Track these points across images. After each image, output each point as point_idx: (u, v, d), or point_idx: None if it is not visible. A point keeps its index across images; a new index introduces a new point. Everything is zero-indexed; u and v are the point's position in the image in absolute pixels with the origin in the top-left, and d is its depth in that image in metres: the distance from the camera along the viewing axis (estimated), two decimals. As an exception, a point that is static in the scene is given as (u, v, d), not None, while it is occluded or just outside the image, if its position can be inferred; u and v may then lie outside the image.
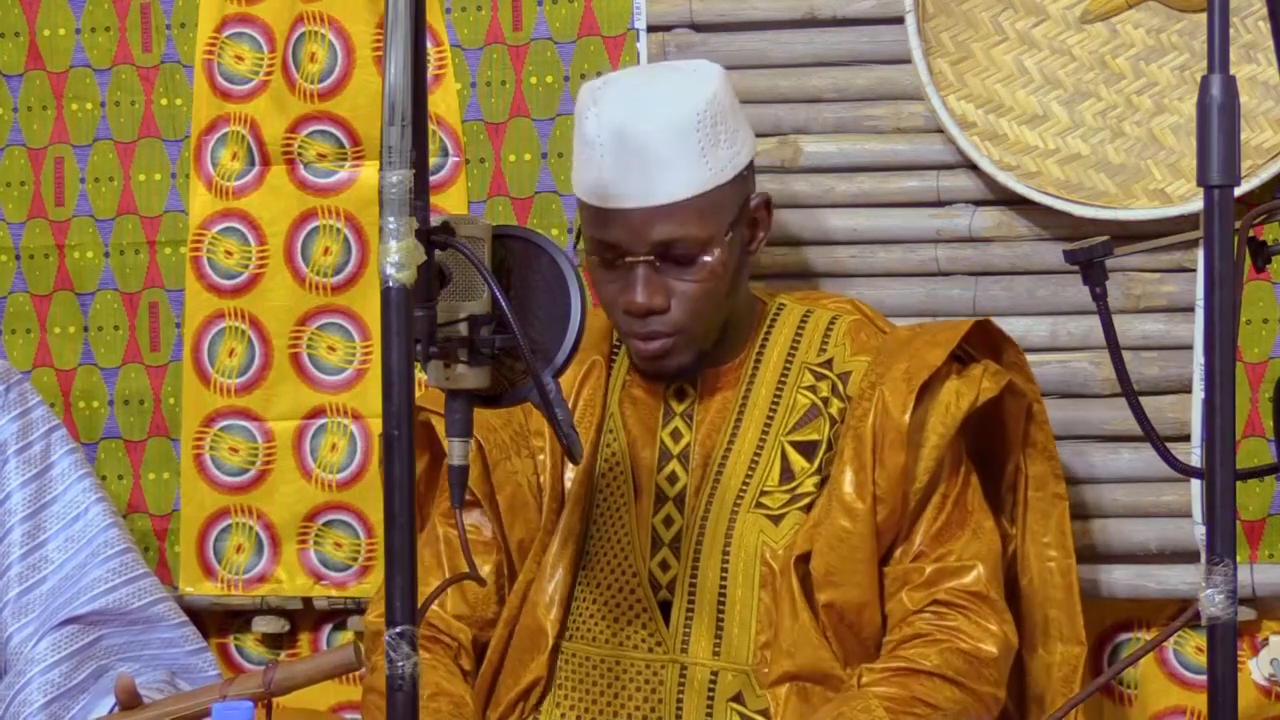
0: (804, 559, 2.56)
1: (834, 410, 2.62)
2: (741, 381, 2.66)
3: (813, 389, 2.64)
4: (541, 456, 2.67)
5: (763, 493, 2.60)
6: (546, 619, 2.63)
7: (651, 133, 2.51)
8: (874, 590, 2.56)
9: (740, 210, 2.59)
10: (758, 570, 2.57)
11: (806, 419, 2.63)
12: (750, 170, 2.63)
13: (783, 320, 2.70)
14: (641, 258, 2.54)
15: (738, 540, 2.58)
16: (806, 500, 2.59)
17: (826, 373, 2.64)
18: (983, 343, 2.67)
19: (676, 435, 2.65)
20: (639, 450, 2.66)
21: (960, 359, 2.64)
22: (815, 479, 2.60)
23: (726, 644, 2.58)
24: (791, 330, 2.68)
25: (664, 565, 2.62)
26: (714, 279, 2.56)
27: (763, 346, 2.68)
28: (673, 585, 2.61)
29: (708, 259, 2.55)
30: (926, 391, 2.57)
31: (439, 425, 2.56)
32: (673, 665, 2.59)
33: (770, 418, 2.63)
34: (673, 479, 2.64)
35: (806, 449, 2.61)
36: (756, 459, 2.62)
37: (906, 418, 2.53)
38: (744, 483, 2.61)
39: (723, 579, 2.58)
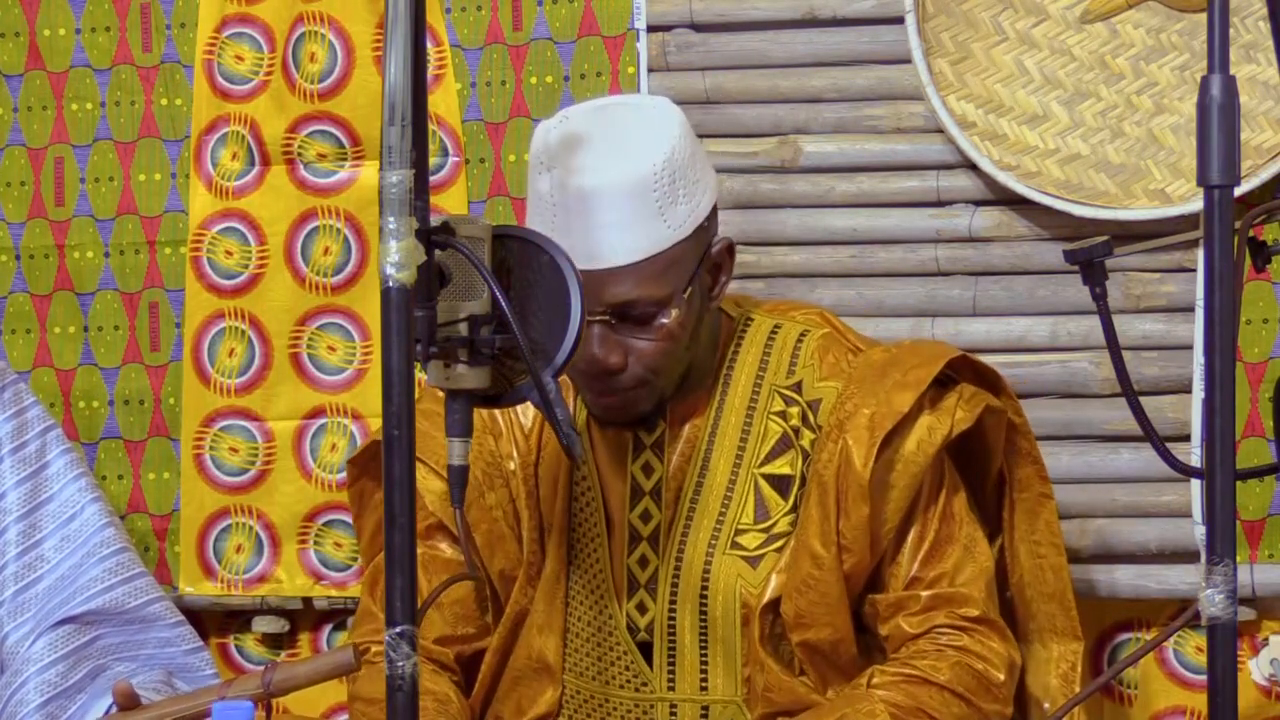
0: (772, 605, 2.54)
1: (805, 442, 2.56)
2: (710, 407, 2.60)
3: (783, 415, 2.59)
4: (515, 481, 2.63)
5: (738, 531, 2.56)
6: (549, 651, 2.61)
7: (606, 194, 2.43)
8: (847, 627, 2.53)
9: (700, 261, 2.51)
10: (737, 612, 2.54)
11: (778, 450, 2.58)
12: (712, 217, 2.54)
13: (750, 337, 2.63)
14: (597, 318, 2.45)
15: (715, 584, 2.55)
16: (781, 541, 2.55)
17: (796, 397, 2.59)
18: (961, 360, 2.61)
19: (648, 469, 2.60)
20: (610, 483, 2.61)
21: (939, 381, 2.57)
22: (790, 517, 2.56)
23: (713, 679, 2.56)
24: (760, 349, 2.62)
25: (641, 608, 2.59)
26: (672, 339, 2.48)
27: (730, 367, 2.61)
28: (652, 628, 2.58)
29: (665, 321, 2.47)
30: (896, 435, 2.51)
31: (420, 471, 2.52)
32: (662, 703, 2.58)
33: (741, 448, 2.58)
34: (646, 517, 2.60)
35: (779, 484, 2.57)
36: (730, 494, 2.58)
37: (867, 472, 2.48)
38: (718, 520, 2.57)
39: (702, 622, 2.56)
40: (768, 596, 2.53)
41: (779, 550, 2.55)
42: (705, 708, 2.57)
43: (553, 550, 2.61)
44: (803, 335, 2.63)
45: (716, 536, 2.57)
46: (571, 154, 2.46)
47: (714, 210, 2.55)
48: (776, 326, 2.64)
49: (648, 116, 2.53)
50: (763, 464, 2.58)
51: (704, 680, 2.57)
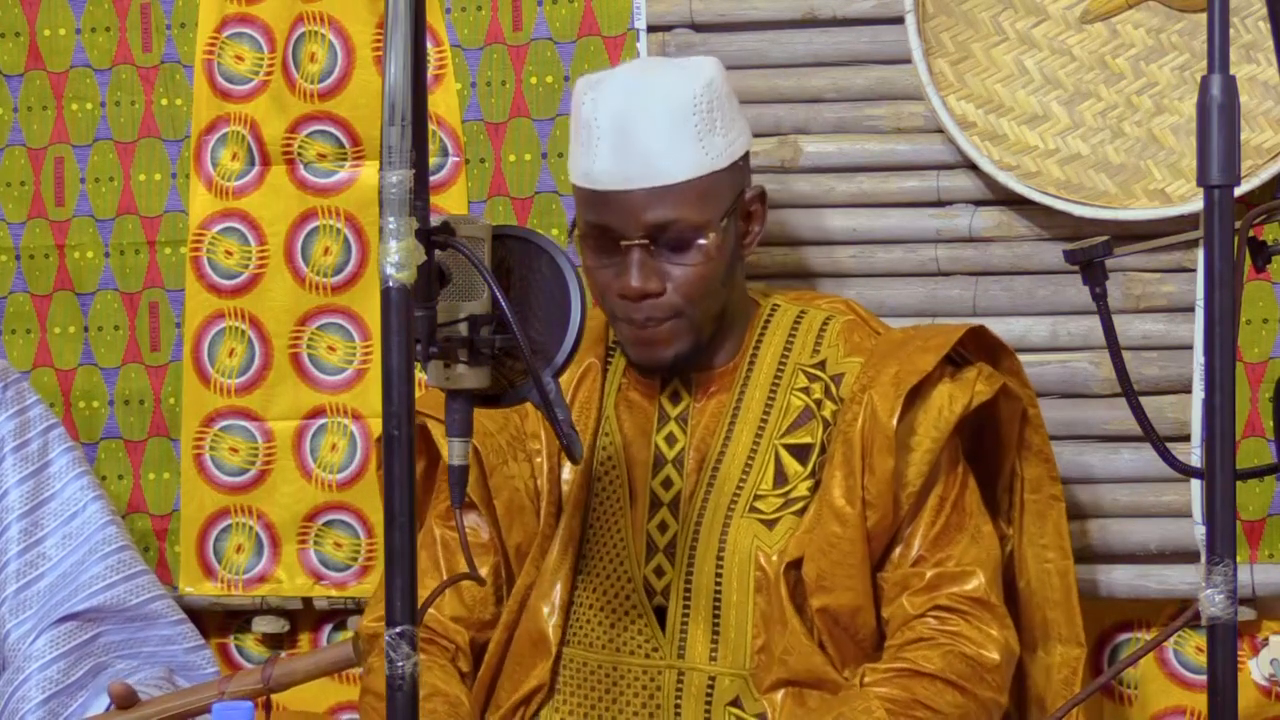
0: (794, 565, 2.56)
1: (827, 413, 2.61)
2: (735, 384, 2.65)
3: (806, 390, 2.63)
4: (539, 459, 2.66)
5: (756, 496, 2.60)
6: (548, 625, 2.62)
7: (648, 116, 2.53)
8: (868, 594, 2.56)
9: (735, 200, 2.59)
10: (752, 575, 2.57)
11: (800, 422, 2.62)
12: (746, 162, 2.64)
13: (776, 321, 2.69)
14: (636, 241, 2.53)
15: (732, 545, 2.58)
16: (800, 505, 2.58)
17: (819, 374, 2.64)
18: (978, 348, 2.67)
19: (671, 440, 2.65)
20: (634, 454, 2.65)
21: (955, 362, 2.63)
22: (809, 483, 2.59)
23: (723, 648, 2.58)
24: (785, 331, 2.68)
25: (659, 571, 2.62)
26: (709, 263, 2.55)
27: (756, 348, 2.67)
28: (668, 591, 2.60)
29: (703, 242, 2.54)
30: (918, 395, 2.56)
31: (435, 429, 2.56)
32: (670, 670, 2.59)
33: (764, 421, 2.63)
34: (667, 484, 2.64)
35: (799, 452, 2.61)
36: (750, 462, 2.61)
37: (894, 422, 2.52)
38: (738, 487, 2.60)
39: (717, 584, 2.58)
40: (791, 556, 2.54)
41: (797, 513, 2.57)
42: (712, 678, 2.57)
43: (565, 525, 2.63)
44: (828, 320, 2.69)
45: (736, 501, 2.60)
46: (615, 84, 2.58)
47: (748, 158, 2.64)
48: (802, 313, 2.70)
49: (687, 61, 2.67)
50: (784, 435, 2.62)
51: (714, 650, 2.58)
